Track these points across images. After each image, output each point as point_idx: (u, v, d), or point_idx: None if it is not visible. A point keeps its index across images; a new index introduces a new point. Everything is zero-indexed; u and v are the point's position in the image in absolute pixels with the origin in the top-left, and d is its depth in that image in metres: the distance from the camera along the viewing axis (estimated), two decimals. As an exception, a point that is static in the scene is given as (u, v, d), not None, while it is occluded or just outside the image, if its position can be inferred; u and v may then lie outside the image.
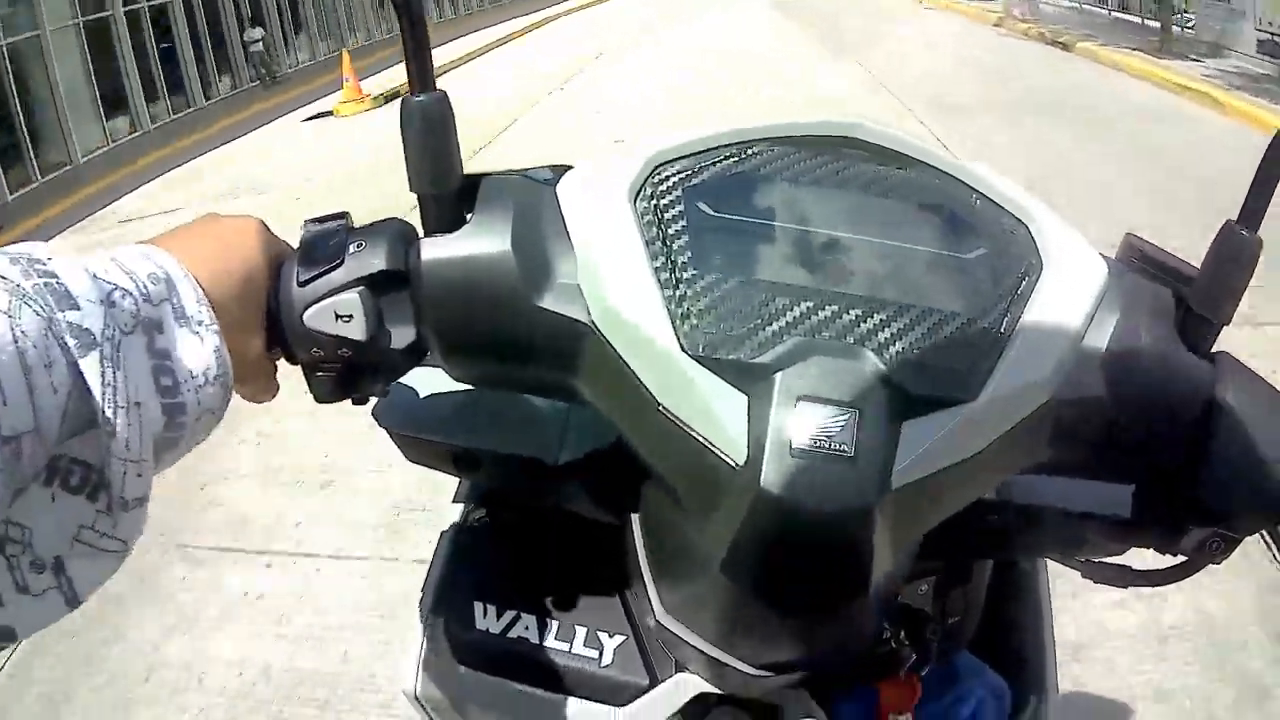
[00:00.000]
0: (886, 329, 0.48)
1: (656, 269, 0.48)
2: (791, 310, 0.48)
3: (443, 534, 0.71)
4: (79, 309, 0.40)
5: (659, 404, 0.47)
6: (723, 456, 0.45)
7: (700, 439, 0.46)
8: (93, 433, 0.40)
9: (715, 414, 0.45)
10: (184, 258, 0.47)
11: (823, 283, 0.49)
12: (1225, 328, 0.52)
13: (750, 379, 0.46)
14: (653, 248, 0.49)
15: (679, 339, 0.46)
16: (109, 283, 0.42)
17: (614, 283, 0.48)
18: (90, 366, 0.39)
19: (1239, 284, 0.51)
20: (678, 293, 0.48)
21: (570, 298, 0.50)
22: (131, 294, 0.43)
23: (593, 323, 0.49)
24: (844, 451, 0.44)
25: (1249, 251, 0.50)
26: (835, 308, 0.48)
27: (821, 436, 0.44)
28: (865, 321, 0.48)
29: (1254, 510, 0.51)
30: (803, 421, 0.44)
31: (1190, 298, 0.52)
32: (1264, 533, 0.55)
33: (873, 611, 0.57)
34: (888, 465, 0.44)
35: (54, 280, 0.40)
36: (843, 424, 0.45)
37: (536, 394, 0.59)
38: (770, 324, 0.47)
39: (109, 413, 0.39)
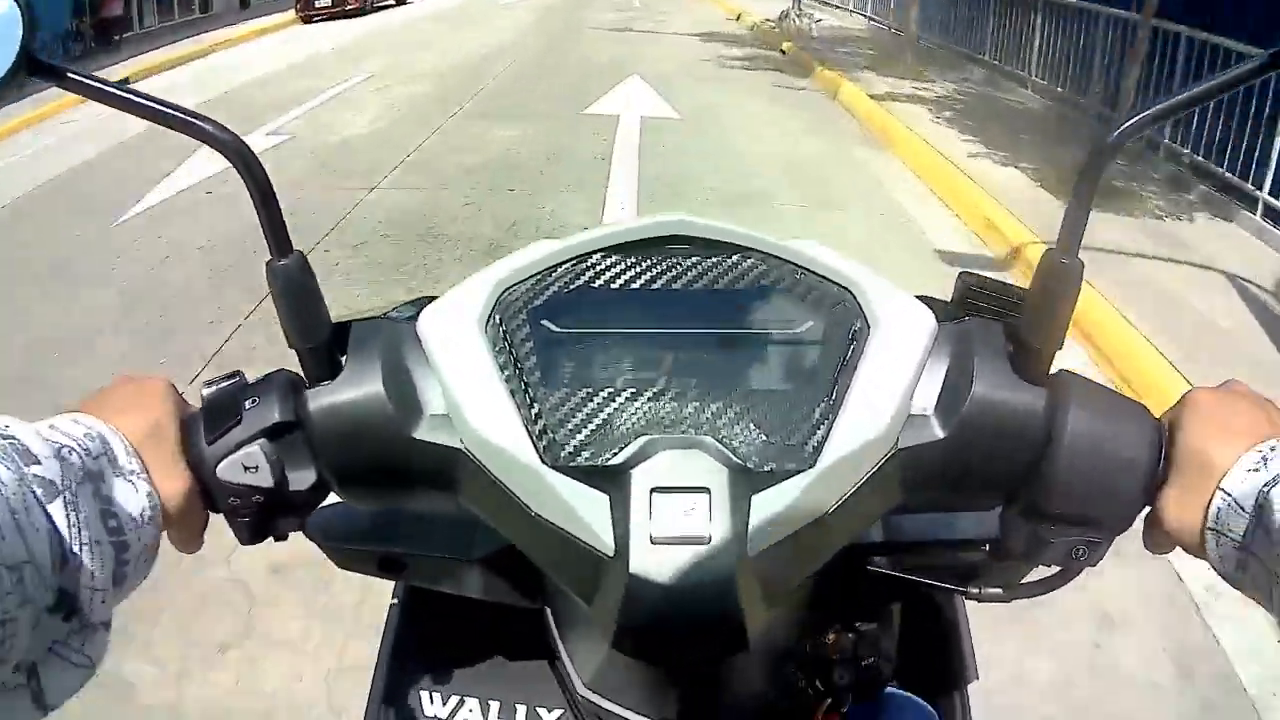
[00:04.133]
0: (725, 414, 0.53)
1: (512, 391, 0.53)
2: (636, 411, 0.53)
3: (385, 629, 0.76)
4: (40, 463, 0.46)
5: (532, 511, 0.52)
6: (594, 550, 0.50)
7: (573, 537, 0.51)
8: (67, 566, 0.46)
9: (581, 515, 0.51)
10: (108, 419, 0.54)
11: (664, 380, 0.54)
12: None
13: (608, 479, 0.51)
14: (506, 373, 0.54)
15: (539, 454, 0.52)
16: (56, 441, 0.49)
17: (475, 409, 0.53)
18: (57, 511, 0.46)
19: (1065, 310, 0.55)
20: (533, 411, 0.53)
21: (441, 427, 0.55)
22: (76, 450, 0.49)
23: (464, 448, 0.54)
24: (699, 532, 0.49)
25: (1071, 277, 0.54)
26: (676, 403, 0.53)
27: (677, 521, 0.50)
28: (705, 410, 0.53)
29: (1104, 514, 0.55)
30: (659, 510, 0.50)
31: (1020, 328, 0.56)
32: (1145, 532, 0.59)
33: (772, 662, 0.61)
34: (740, 538, 0.49)
35: (15, 441, 0.47)
36: (695, 507, 0.50)
37: (432, 511, 0.64)
38: (619, 426, 0.53)
39: (76, 549, 0.46)
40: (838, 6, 16.24)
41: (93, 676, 0.48)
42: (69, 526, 0.46)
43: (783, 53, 11.36)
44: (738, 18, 15.87)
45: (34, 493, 0.45)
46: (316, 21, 16.59)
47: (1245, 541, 0.49)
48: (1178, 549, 0.56)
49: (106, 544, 0.49)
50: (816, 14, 13.98)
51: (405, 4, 19.85)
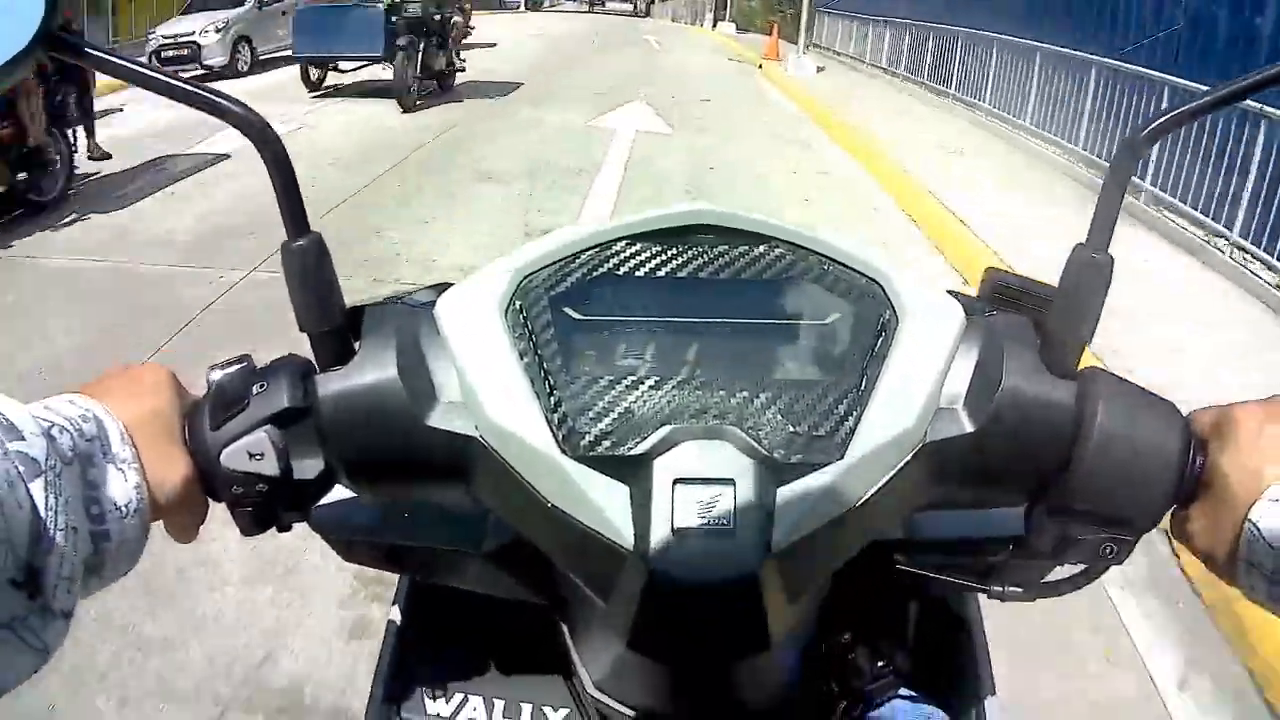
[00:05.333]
0: (750, 404, 0.51)
1: (531, 379, 0.51)
2: (659, 400, 0.51)
3: (387, 630, 0.74)
4: (24, 439, 0.45)
5: (549, 503, 0.50)
6: (613, 544, 0.49)
7: (591, 530, 0.49)
8: (40, 546, 0.44)
9: (600, 507, 0.49)
10: (106, 402, 0.52)
11: (687, 370, 0.53)
12: None
13: (629, 470, 0.49)
14: (525, 359, 0.52)
15: (558, 443, 0.50)
16: (47, 420, 0.47)
17: (493, 397, 0.51)
18: (37, 490, 0.44)
19: (1095, 303, 0.54)
20: (552, 400, 0.51)
21: (457, 414, 0.53)
22: (68, 430, 0.48)
23: (480, 436, 0.52)
24: (723, 524, 0.48)
25: (1101, 271, 0.53)
26: (700, 393, 0.52)
27: (700, 514, 0.48)
28: (730, 400, 0.51)
29: (1133, 512, 0.54)
30: (681, 503, 0.48)
31: (1049, 322, 0.55)
32: (1166, 530, 0.58)
33: (789, 663, 0.60)
34: (765, 532, 0.48)
35: (1, 416, 0.45)
36: (719, 499, 0.48)
37: (441, 503, 0.62)
38: (641, 416, 0.51)
39: (50, 533, 0.44)
40: None
41: (44, 664, 0.45)
42: (47, 509, 0.44)
43: None
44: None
45: (16, 469, 0.43)
46: None
47: (1277, 576, 0.48)
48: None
49: (85, 532, 0.47)
50: None
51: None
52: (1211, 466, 0.52)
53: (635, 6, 48.52)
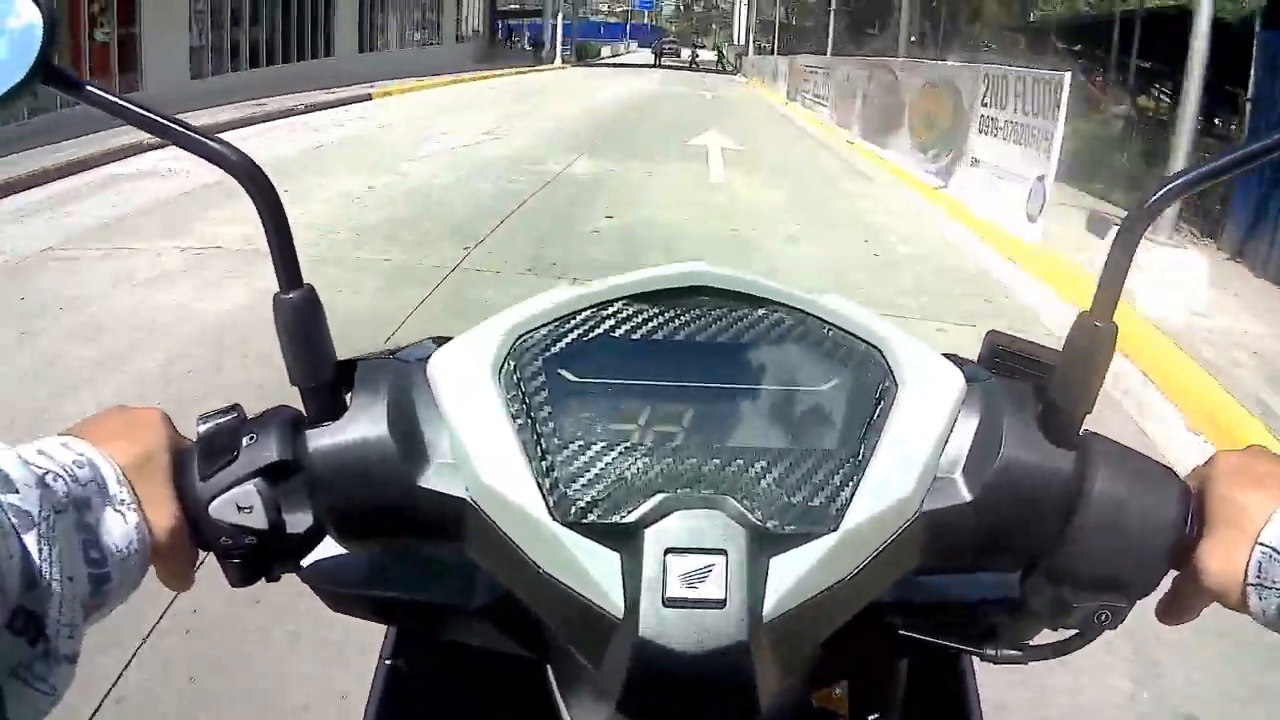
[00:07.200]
0: (745, 474, 0.51)
1: (524, 442, 0.51)
2: (653, 467, 0.51)
3: (375, 679, 0.73)
4: (17, 492, 0.44)
5: (539, 568, 0.50)
6: (604, 612, 0.48)
7: (581, 597, 0.49)
8: (37, 594, 0.44)
9: (591, 574, 0.48)
10: (100, 445, 0.51)
11: (682, 436, 0.52)
12: None
13: (620, 538, 0.49)
14: (519, 421, 0.52)
15: (550, 509, 0.49)
16: (40, 468, 0.47)
17: (485, 460, 0.51)
18: (31, 543, 0.44)
19: (1096, 373, 0.53)
20: (544, 464, 0.51)
21: (448, 475, 0.53)
22: (62, 477, 0.47)
23: (470, 498, 0.52)
24: (714, 595, 0.47)
25: (1104, 340, 0.53)
26: (695, 460, 0.51)
27: (691, 584, 0.47)
28: (725, 469, 0.51)
29: (1130, 578, 0.53)
30: (672, 572, 0.48)
31: (1050, 391, 0.54)
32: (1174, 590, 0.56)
33: (776, 718, 0.58)
34: (757, 603, 0.47)
35: None
36: (710, 570, 0.48)
37: (430, 558, 0.61)
38: (634, 483, 0.50)
39: (46, 583, 0.44)
40: None
41: (56, 704, 0.45)
42: (41, 560, 0.44)
43: None
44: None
45: (10, 521, 0.43)
46: None
47: None
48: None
49: (83, 578, 0.47)
50: None
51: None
52: (1211, 509, 0.53)
53: (692, 63, 43.23)
